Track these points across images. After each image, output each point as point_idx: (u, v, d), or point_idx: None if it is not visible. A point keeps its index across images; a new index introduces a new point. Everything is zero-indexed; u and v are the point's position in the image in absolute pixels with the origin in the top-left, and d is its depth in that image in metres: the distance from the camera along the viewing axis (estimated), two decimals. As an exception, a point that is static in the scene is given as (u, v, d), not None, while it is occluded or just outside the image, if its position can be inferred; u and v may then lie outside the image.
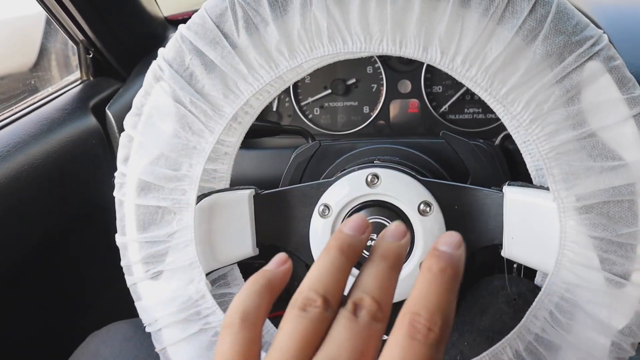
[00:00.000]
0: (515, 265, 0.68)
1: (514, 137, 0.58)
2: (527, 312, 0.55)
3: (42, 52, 1.25)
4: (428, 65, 1.01)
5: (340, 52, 0.55)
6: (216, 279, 0.65)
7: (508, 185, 0.58)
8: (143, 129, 0.59)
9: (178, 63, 0.57)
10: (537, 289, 0.61)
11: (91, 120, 1.03)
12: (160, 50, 0.59)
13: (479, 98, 1.00)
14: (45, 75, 1.25)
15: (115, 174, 0.62)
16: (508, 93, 0.52)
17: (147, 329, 0.63)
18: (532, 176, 0.62)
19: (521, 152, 0.59)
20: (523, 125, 0.52)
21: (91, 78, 1.15)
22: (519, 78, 0.51)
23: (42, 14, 1.08)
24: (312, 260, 0.62)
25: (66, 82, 1.13)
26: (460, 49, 0.52)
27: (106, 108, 1.03)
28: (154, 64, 0.59)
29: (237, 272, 0.66)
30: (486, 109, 1.00)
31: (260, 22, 0.55)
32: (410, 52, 0.53)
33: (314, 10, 0.54)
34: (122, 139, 0.61)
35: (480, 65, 0.52)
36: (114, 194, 0.62)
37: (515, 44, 0.51)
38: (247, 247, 0.63)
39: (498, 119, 0.99)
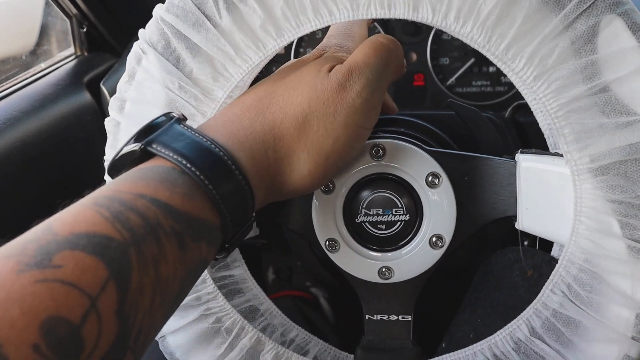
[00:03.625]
0: (526, 242, 0.66)
1: (522, 94, 0.55)
2: (544, 287, 0.52)
3: (43, 32, 1.22)
4: (434, 37, 0.98)
5: (328, 24, 0.52)
6: (215, 261, 0.62)
7: (521, 152, 0.55)
8: (129, 114, 0.57)
9: (162, 47, 0.54)
10: (554, 261, 0.58)
11: (86, 96, 1.01)
12: (141, 32, 0.56)
13: (487, 70, 0.98)
14: (45, 55, 1.22)
15: (105, 158, 0.59)
16: (508, 48, 0.49)
17: None
18: (545, 136, 0.59)
19: (532, 110, 0.56)
20: (527, 82, 0.49)
21: (85, 53, 1.13)
22: (517, 30, 0.48)
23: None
24: (315, 239, 0.59)
25: (60, 57, 1.10)
26: (452, 4, 0.49)
27: (101, 83, 1.01)
28: (136, 46, 0.56)
29: (237, 253, 0.64)
30: (494, 81, 0.98)
31: (240, 1, 0.51)
32: (400, 12, 0.50)
33: None
34: (108, 125, 0.59)
35: (475, 20, 0.49)
36: (105, 177, 0.59)
37: None
38: None
39: (507, 92, 0.97)
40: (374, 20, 0.66)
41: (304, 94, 0.49)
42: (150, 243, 0.37)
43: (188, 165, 0.42)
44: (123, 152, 0.45)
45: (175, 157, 0.42)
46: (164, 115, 0.47)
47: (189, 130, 0.45)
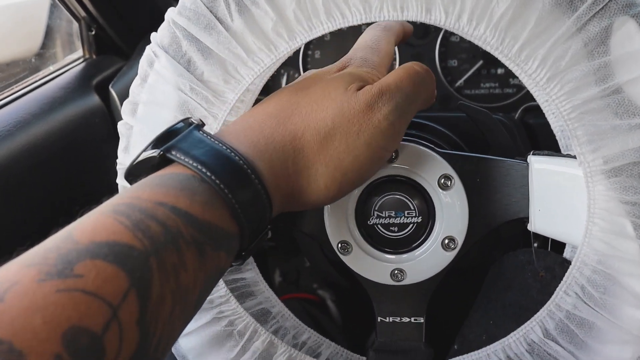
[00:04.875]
0: (535, 244, 0.66)
1: (534, 95, 0.55)
2: (557, 288, 0.52)
3: (48, 36, 1.22)
4: (442, 39, 0.98)
5: (340, 26, 0.52)
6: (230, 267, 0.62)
7: (533, 154, 0.55)
8: (142, 117, 0.57)
9: (174, 50, 0.54)
10: (567, 262, 0.58)
11: (94, 99, 1.00)
12: (153, 36, 0.56)
13: (496, 72, 0.98)
14: (51, 58, 1.22)
15: (117, 162, 0.59)
16: (521, 50, 0.49)
17: None
18: (557, 137, 0.59)
19: (544, 111, 0.56)
20: (540, 84, 0.49)
21: (94, 56, 1.13)
22: (530, 32, 0.48)
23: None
24: (328, 242, 0.59)
25: (68, 60, 1.10)
26: (465, 6, 0.49)
27: (110, 86, 1.01)
28: (148, 49, 0.56)
29: None
30: (503, 83, 0.97)
31: (252, 4, 0.52)
32: (412, 14, 0.50)
33: None
34: (121, 128, 0.59)
35: (488, 22, 0.49)
36: (117, 181, 0.59)
37: None
38: None
39: (515, 94, 0.97)
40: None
41: (328, 110, 0.49)
42: (170, 252, 0.37)
43: (208, 173, 0.42)
44: (141, 158, 0.45)
45: (195, 164, 0.42)
46: (183, 121, 0.47)
47: (209, 137, 0.45)
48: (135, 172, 0.45)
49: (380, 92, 0.49)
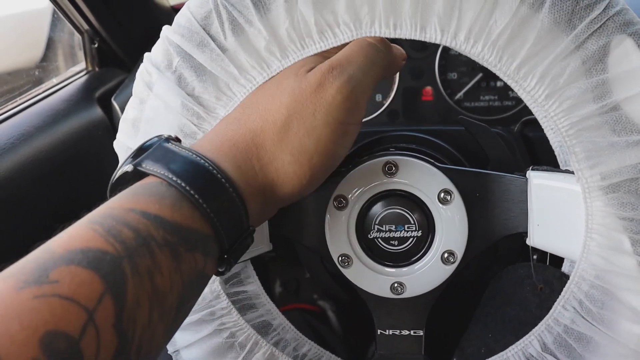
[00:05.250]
0: (535, 257, 0.66)
1: (533, 111, 0.55)
2: (555, 303, 0.53)
3: (49, 46, 1.23)
4: (442, 52, 0.99)
5: (332, 45, 0.53)
6: (229, 277, 0.63)
7: (532, 169, 0.55)
8: (137, 136, 0.58)
9: (165, 66, 0.55)
10: (565, 277, 0.59)
11: (97, 111, 1.01)
12: (147, 55, 0.57)
13: (495, 85, 0.98)
14: (52, 70, 1.22)
15: None
16: (519, 67, 0.49)
17: None
18: (556, 153, 0.59)
19: (542, 127, 0.57)
20: (538, 101, 0.49)
21: (96, 68, 1.13)
22: (528, 50, 0.48)
23: (48, 8, 1.06)
24: (328, 255, 0.60)
25: (71, 72, 1.11)
26: (462, 24, 0.49)
27: (112, 98, 1.02)
28: (142, 67, 0.57)
29: (250, 269, 0.64)
30: (502, 96, 0.98)
31: (245, 22, 0.52)
32: (405, 33, 0.51)
33: (300, 7, 0.51)
34: (117, 148, 0.60)
35: (486, 40, 0.49)
36: None
37: (521, 13, 0.48)
38: (261, 242, 0.61)
39: (515, 106, 0.97)
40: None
41: (282, 99, 0.49)
42: (143, 255, 0.38)
43: (174, 178, 0.43)
44: (119, 173, 0.46)
45: (162, 172, 0.44)
46: (157, 137, 0.48)
47: (177, 147, 0.47)
48: (115, 188, 0.47)
49: (329, 67, 0.49)
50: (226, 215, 0.45)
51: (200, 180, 0.44)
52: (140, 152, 0.46)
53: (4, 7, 1.32)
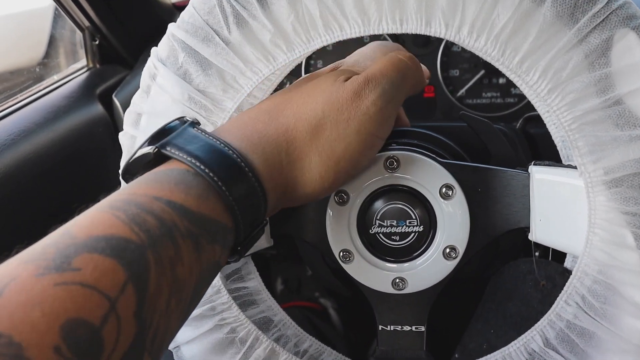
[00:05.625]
0: (537, 253, 0.66)
1: (535, 106, 0.55)
2: (558, 298, 0.52)
3: (51, 45, 1.23)
4: (444, 49, 0.98)
5: (339, 39, 0.53)
6: (230, 273, 0.63)
7: (534, 164, 0.55)
8: (143, 128, 0.58)
9: (172, 62, 0.55)
10: (567, 272, 0.58)
11: (98, 108, 1.01)
12: (153, 50, 0.57)
13: (497, 82, 0.98)
14: (54, 67, 1.22)
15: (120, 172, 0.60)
16: (522, 61, 0.49)
17: None
18: (558, 148, 0.59)
19: (545, 122, 0.56)
20: (541, 95, 0.49)
21: (97, 65, 1.13)
22: (531, 44, 0.48)
23: (50, 6, 1.06)
24: (329, 250, 0.59)
25: (72, 69, 1.11)
26: (465, 18, 0.49)
27: (113, 95, 1.02)
28: (149, 62, 0.57)
29: (251, 265, 0.64)
30: (504, 93, 0.98)
31: (249, 16, 0.52)
32: (412, 27, 0.51)
33: (304, 0, 0.51)
34: (123, 139, 0.59)
35: (489, 34, 0.49)
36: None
37: (523, 7, 0.48)
38: (261, 239, 0.61)
39: (517, 103, 0.97)
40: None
41: (318, 101, 0.50)
42: (167, 245, 0.38)
43: (202, 167, 0.43)
44: (137, 155, 0.45)
45: (189, 159, 0.43)
46: (178, 119, 0.48)
47: (203, 133, 0.46)
48: (132, 170, 0.46)
49: (366, 79, 0.50)
50: (247, 208, 0.45)
51: (227, 172, 0.44)
52: (162, 134, 0.46)
53: (6, 6, 1.32)
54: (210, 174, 0.42)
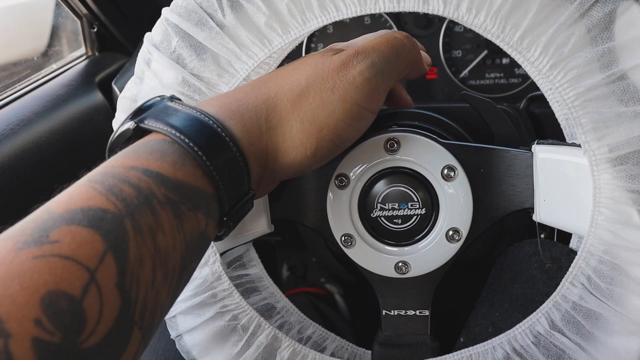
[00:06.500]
0: (542, 235, 0.65)
1: (538, 84, 0.54)
2: (563, 279, 0.52)
3: (53, 34, 1.22)
4: (446, 29, 0.97)
5: (335, 19, 0.52)
6: (232, 260, 0.62)
7: (538, 143, 0.54)
8: None
9: (165, 46, 0.55)
10: (573, 253, 0.57)
11: (97, 96, 1.00)
12: (147, 35, 0.57)
13: (500, 62, 0.97)
14: (57, 56, 1.22)
15: None
16: (522, 37, 0.48)
17: None
18: (562, 126, 0.58)
19: (548, 100, 0.55)
20: (543, 72, 0.48)
21: (96, 53, 1.13)
22: (532, 19, 0.47)
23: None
24: (331, 234, 0.59)
25: (71, 58, 1.10)
26: None
27: (112, 83, 1.01)
28: (143, 47, 0.57)
29: (253, 253, 0.63)
30: (508, 73, 0.97)
31: None
32: (409, 5, 0.50)
33: None
34: (115, 124, 0.59)
35: (488, 10, 0.48)
36: None
37: None
38: (261, 224, 0.60)
39: (521, 83, 0.96)
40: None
41: (303, 72, 0.49)
42: (145, 212, 0.38)
43: (177, 134, 0.43)
44: (119, 132, 0.45)
45: (165, 128, 0.43)
46: (158, 96, 0.48)
47: (180, 105, 0.46)
48: (114, 147, 0.46)
49: (355, 52, 0.50)
50: (228, 175, 0.44)
51: (203, 137, 0.43)
52: (141, 111, 0.46)
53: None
54: (186, 140, 0.42)
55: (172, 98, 0.47)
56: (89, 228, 0.35)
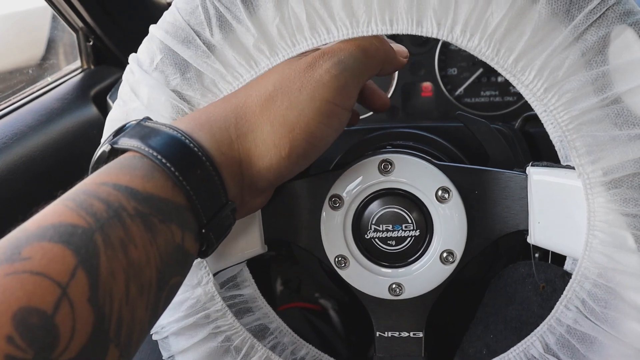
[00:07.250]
0: (537, 255, 0.65)
1: (532, 106, 0.54)
2: (558, 302, 0.51)
3: (50, 45, 1.22)
4: (442, 47, 0.97)
5: (325, 42, 0.52)
6: (225, 281, 0.62)
7: (532, 165, 0.54)
8: None
9: (148, 64, 0.54)
10: (567, 275, 0.57)
11: (92, 110, 1.00)
12: (132, 55, 0.56)
13: (496, 80, 0.97)
14: (52, 68, 1.22)
15: None
16: (517, 60, 0.48)
17: (154, 337, 0.60)
18: (556, 148, 0.58)
19: (542, 122, 0.55)
20: (537, 95, 0.48)
21: (92, 66, 1.13)
22: (526, 43, 0.47)
23: (49, 7, 1.05)
24: (325, 255, 0.58)
25: (66, 71, 1.10)
26: (458, 17, 0.48)
27: (107, 97, 1.01)
28: (127, 68, 0.56)
29: (246, 273, 0.63)
30: (503, 91, 0.97)
31: (233, 19, 0.51)
32: (402, 28, 0.50)
33: (290, 2, 0.50)
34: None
35: (482, 33, 0.48)
36: None
37: (518, 5, 0.46)
38: (255, 245, 0.60)
39: (516, 102, 0.96)
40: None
41: (271, 78, 0.50)
42: (115, 226, 0.38)
43: (145, 148, 0.43)
44: (97, 155, 0.46)
45: (136, 145, 0.44)
46: (135, 120, 0.48)
47: (153, 123, 0.47)
48: (94, 170, 0.46)
49: (322, 52, 0.50)
50: (200, 185, 0.45)
51: (171, 149, 0.44)
52: (118, 132, 0.47)
53: (5, 5, 1.31)
54: (154, 153, 0.43)
55: (147, 119, 0.48)
56: (59, 244, 0.35)
